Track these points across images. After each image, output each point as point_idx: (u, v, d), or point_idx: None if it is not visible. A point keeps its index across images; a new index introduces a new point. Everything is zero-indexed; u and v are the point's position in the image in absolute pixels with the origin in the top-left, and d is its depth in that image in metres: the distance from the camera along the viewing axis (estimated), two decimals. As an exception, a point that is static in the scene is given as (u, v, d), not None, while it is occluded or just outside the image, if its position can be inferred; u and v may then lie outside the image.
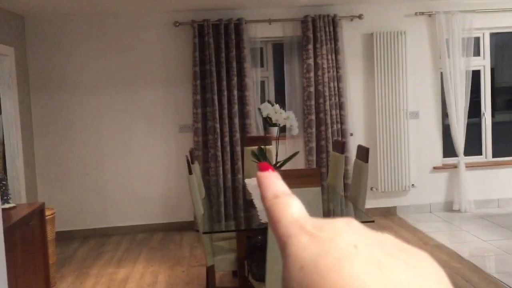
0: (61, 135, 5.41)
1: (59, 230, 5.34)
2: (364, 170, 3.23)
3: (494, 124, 8.28)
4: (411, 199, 5.79)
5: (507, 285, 3.61)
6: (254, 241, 2.77)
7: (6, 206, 3.52)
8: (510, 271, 3.87)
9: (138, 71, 5.46)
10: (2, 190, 3.43)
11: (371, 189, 5.73)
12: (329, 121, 5.52)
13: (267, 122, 3.82)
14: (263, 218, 2.92)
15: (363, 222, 2.71)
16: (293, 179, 2.52)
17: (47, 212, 3.92)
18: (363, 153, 3.29)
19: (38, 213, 3.68)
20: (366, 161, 3.23)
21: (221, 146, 5.47)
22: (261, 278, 2.67)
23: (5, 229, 3.01)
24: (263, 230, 2.72)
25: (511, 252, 4.29)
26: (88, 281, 4.12)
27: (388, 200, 5.78)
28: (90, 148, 5.46)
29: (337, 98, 5.56)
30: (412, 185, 5.75)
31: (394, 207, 5.78)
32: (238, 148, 5.47)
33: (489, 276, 3.80)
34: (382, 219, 5.62)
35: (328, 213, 3.06)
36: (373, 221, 2.73)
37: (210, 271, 3.08)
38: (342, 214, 3.07)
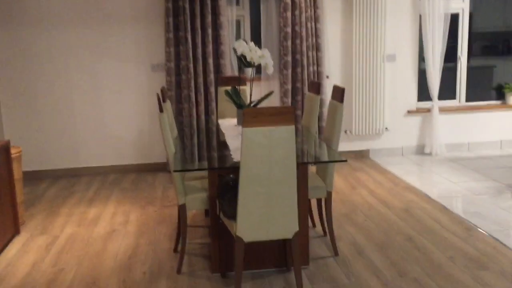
0: (27, 72, 5.17)
1: (27, 170, 5.24)
2: (339, 110, 3.18)
3: (469, 69, 8.28)
4: (384, 142, 5.83)
5: (473, 224, 3.70)
6: (226, 179, 2.73)
7: (-32, 143, 3.38)
8: (477, 211, 3.97)
9: (106, 6, 5.18)
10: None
11: (345, 132, 5.74)
12: (305, 62, 5.41)
13: (242, 62, 3.69)
14: (236, 157, 2.87)
15: (336, 161, 2.70)
16: (267, 117, 2.46)
17: (13, 151, 3.80)
18: (339, 93, 3.23)
19: (3, 151, 3.56)
20: (341, 101, 3.17)
21: (194, 86, 5.34)
22: (232, 216, 2.65)
23: (-33, 166, 2.91)
24: (235, 169, 2.67)
25: (478, 194, 4.39)
26: (58, 220, 4.07)
27: (361, 143, 5.81)
28: (58, 86, 5.25)
29: (314, 39, 5.42)
30: (386, 128, 5.78)
31: (367, 150, 5.83)
32: (212, 89, 5.35)
33: (456, 216, 3.89)
34: (355, 161, 5.67)
35: (301, 152, 3.02)
36: (345, 161, 2.71)
37: (182, 209, 3.06)
38: (315, 153, 3.04)
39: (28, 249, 3.52)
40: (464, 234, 3.53)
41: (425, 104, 5.86)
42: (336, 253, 3.28)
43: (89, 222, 4.02)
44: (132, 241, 3.61)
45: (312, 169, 3.70)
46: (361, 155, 5.83)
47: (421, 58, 5.79)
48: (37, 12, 5.08)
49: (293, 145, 2.50)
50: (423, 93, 5.92)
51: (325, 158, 2.90)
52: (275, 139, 2.47)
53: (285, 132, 2.47)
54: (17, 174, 3.82)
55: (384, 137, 5.83)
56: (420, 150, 5.88)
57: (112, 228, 3.88)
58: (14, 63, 5.12)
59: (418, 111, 5.82)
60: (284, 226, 2.61)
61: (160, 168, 5.51)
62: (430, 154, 5.80)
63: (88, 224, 3.97)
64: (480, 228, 3.62)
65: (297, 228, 2.64)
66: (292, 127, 2.47)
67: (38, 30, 5.12)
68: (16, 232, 3.74)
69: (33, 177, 5.30)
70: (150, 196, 4.65)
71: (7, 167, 3.61)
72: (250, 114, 2.43)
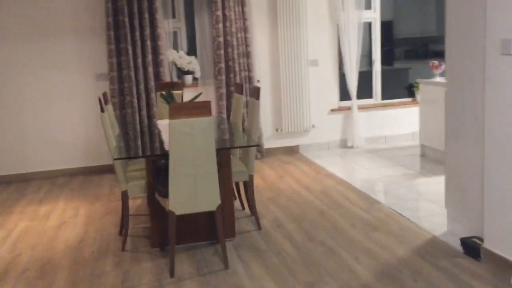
0: (-25, 84, 5.51)
1: (-21, 176, 5.54)
2: (256, 106, 3.79)
3: (393, 71, 9.20)
4: (312, 138, 6.51)
5: (375, 199, 4.39)
6: (159, 164, 3.26)
7: None
8: (381, 189, 4.68)
9: (50, 21, 5.61)
10: None
11: (277, 130, 6.38)
12: (237, 68, 6.02)
13: (178, 68, 4.24)
14: (167, 146, 3.41)
15: (251, 146, 3.30)
16: (189, 110, 3.02)
17: (-33, 154, 4.16)
18: (255, 92, 3.84)
19: (-41, 154, 3.92)
20: (258, 98, 3.78)
21: (136, 93, 5.82)
22: (166, 194, 3.19)
23: None
24: (166, 156, 3.21)
25: (385, 176, 5.12)
26: (12, 217, 4.46)
27: (291, 140, 6.47)
28: (7, 95, 5.61)
29: (244, 47, 6.05)
30: (313, 125, 6.46)
31: (297, 146, 6.49)
32: (153, 95, 5.85)
33: (363, 194, 4.58)
34: (286, 156, 6.31)
35: (224, 141, 3.60)
36: (258, 145, 3.30)
37: (124, 195, 3.56)
38: (235, 142, 3.62)
39: (-15, 241, 3.90)
40: (367, 207, 4.22)
41: (346, 103, 6.59)
42: (259, 227, 3.87)
43: (41, 217, 4.43)
44: (81, 229, 4.07)
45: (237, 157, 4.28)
46: (292, 150, 6.48)
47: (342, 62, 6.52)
48: (-17, 28, 5.45)
49: (212, 133, 3.07)
50: (346, 93, 6.65)
51: (241, 144, 3.48)
52: (197, 129, 3.03)
53: (204, 123, 3.04)
54: (-29, 176, 4.19)
55: (312, 134, 6.51)
56: (343, 144, 6.60)
57: (62, 220, 4.31)
58: (-38, 76, 5.45)
59: (340, 109, 6.55)
60: (208, 200, 3.17)
61: (107, 169, 5.94)
62: (352, 147, 6.54)
63: (40, 219, 4.38)
64: (380, 202, 4.32)
65: (219, 202, 3.20)
66: (210, 118, 3.04)
67: (-15, 45, 5.48)
68: (-27, 228, 4.11)
69: (-16, 183, 5.61)
70: (97, 193, 5.10)
71: (-38, 169, 3.98)
72: (175, 108, 2.98)
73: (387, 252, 3.32)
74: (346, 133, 6.60)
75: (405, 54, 10.71)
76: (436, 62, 5.67)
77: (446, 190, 3.59)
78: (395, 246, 3.41)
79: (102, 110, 3.56)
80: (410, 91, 7.01)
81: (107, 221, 4.24)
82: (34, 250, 3.68)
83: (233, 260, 3.33)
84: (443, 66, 5.65)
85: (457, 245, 3.32)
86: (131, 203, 4.52)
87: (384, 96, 6.91)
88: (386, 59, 8.29)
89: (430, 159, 5.73)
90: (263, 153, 6.25)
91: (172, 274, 3.14)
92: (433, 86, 5.52)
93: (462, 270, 3.01)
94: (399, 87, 8.02)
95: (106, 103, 4.12)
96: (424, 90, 5.73)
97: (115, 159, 3.22)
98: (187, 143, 3.04)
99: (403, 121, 6.76)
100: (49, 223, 4.27)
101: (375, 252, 3.32)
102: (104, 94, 4.17)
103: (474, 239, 3.21)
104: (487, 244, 3.06)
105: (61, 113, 5.79)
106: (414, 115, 6.69)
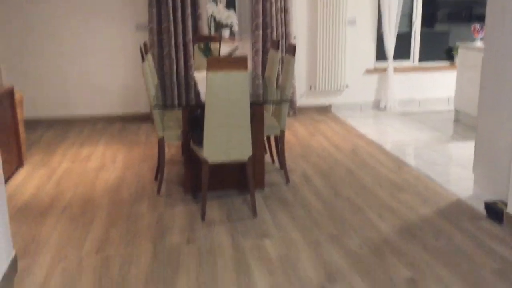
0: (23, 30, 5.71)
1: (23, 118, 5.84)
2: (291, 63, 3.85)
3: (434, 33, 9.00)
4: (345, 98, 6.53)
5: (405, 161, 4.45)
6: (195, 114, 3.40)
7: (-20, 87, 3.99)
8: (411, 152, 4.73)
9: (94, -31, 5.72)
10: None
11: (310, 88, 6.41)
12: (274, 24, 6.03)
13: (216, 22, 4.29)
14: (204, 98, 3.54)
15: (284, 101, 3.40)
16: (226, 64, 3.11)
17: (16, 95, 4.40)
18: (291, 49, 3.89)
19: (8, 95, 4.17)
20: (293, 55, 3.83)
21: (174, 45, 5.93)
22: (200, 143, 3.34)
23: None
24: (201, 106, 3.35)
25: (417, 139, 5.14)
26: (55, 157, 4.73)
27: (324, 99, 6.50)
28: (50, 42, 5.81)
29: (282, 2, 6.02)
30: (347, 85, 6.46)
31: (330, 105, 6.53)
32: (191, 47, 5.95)
33: (393, 155, 4.64)
34: (318, 115, 6.37)
35: (258, 96, 3.70)
36: (289, 100, 3.39)
37: (161, 141, 3.74)
38: (268, 97, 3.73)
39: (32, 177, 4.19)
40: (395, 168, 4.29)
41: (382, 64, 6.54)
42: (287, 180, 4.01)
43: (82, 159, 4.69)
44: (120, 172, 4.30)
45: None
46: (325, 110, 6.53)
47: (380, 22, 6.42)
48: (30, -26, 5.60)
49: (247, 87, 3.17)
50: (383, 54, 6.57)
51: (274, 99, 3.58)
52: (232, 82, 3.14)
53: (240, 76, 3.14)
54: (19, 116, 4.45)
55: (345, 93, 6.52)
56: (376, 105, 6.60)
57: (102, 163, 4.56)
58: (13, 23, 5.66)
59: (375, 70, 6.51)
60: (240, 150, 3.31)
61: (144, 117, 6.15)
62: (384, 109, 6.53)
63: (82, 161, 4.64)
64: (409, 164, 4.38)
65: (250, 153, 3.34)
66: (245, 73, 3.14)
67: (32, -9, 5.65)
68: (20, 164, 4.40)
69: (27, 124, 5.91)
70: (135, 140, 5.32)
71: (11, 109, 4.23)
72: (213, 62, 3.08)
73: (411, 211, 3.42)
74: (380, 95, 6.58)
75: (448, 16, 10.38)
76: (478, 26, 5.54)
77: (475, 155, 3.63)
78: (419, 206, 3.50)
79: (143, 60, 3.69)
80: (449, 55, 6.88)
81: (144, 166, 4.46)
82: (76, 187, 3.94)
83: (261, 210, 3.49)
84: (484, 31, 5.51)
85: (481, 208, 3.38)
86: (165, 152, 4.72)
87: (422, 59, 6.81)
88: (427, 20, 8.08)
89: (464, 124, 5.70)
90: (295, 110, 6.33)
91: (203, 218, 3.34)
92: (473, 51, 5.42)
93: (483, 232, 3.09)
94: (438, 50, 7.86)
95: (146, 51, 4.25)
96: (463, 54, 5.62)
97: (154, 108, 3.37)
98: (223, 95, 3.16)
99: (439, 85, 6.67)
100: (90, 164, 4.52)
101: (399, 211, 3.42)
102: (145, 44, 4.29)
103: (498, 203, 3.26)
104: (510, 209, 3.11)
105: (102, 60, 5.97)
106: (451, 80, 6.59)
